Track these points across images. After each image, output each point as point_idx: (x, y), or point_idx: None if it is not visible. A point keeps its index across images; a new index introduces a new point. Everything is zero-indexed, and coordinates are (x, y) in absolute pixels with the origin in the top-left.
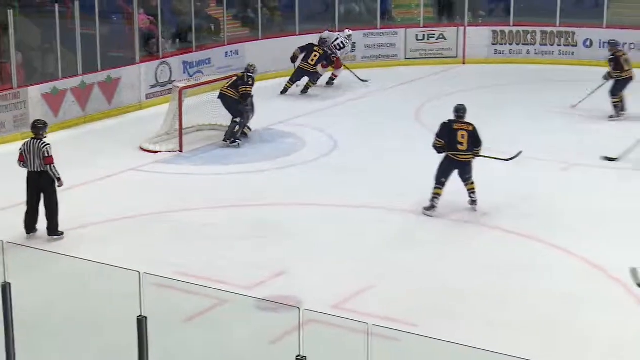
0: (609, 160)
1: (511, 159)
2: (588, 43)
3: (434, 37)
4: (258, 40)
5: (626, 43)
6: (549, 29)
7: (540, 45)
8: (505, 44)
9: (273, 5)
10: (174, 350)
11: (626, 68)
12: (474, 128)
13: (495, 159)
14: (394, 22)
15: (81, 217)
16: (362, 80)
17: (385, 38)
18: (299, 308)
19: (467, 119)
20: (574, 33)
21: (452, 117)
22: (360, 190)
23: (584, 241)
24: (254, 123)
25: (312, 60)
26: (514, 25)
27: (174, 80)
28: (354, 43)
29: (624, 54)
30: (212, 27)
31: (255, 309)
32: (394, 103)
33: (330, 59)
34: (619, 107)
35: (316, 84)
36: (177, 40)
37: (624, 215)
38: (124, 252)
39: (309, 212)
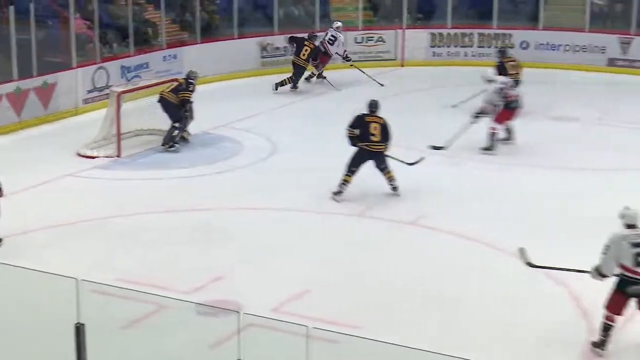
0: (436, 148)
1: (414, 163)
2: (525, 45)
3: (372, 40)
4: (197, 44)
5: (561, 45)
6: (486, 31)
7: (478, 47)
8: (444, 46)
9: (211, 8)
10: (112, 357)
11: (511, 72)
12: (386, 123)
13: (400, 161)
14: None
15: (20, 223)
16: (380, 84)
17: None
18: (238, 312)
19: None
20: (510, 35)
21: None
22: (300, 193)
23: (521, 241)
24: (193, 127)
25: (304, 55)
26: (451, 28)
27: (112, 85)
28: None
29: (512, 60)
30: (150, 31)
31: (195, 313)
32: (333, 106)
33: (317, 55)
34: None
35: (299, 79)
36: (115, 45)
37: (554, 213)
38: (64, 258)
39: (249, 216)
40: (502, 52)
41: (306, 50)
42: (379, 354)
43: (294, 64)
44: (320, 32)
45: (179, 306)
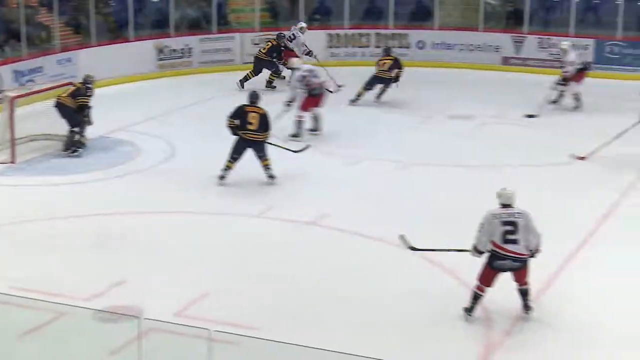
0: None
1: (299, 151)
2: (421, 45)
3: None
4: (92, 47)
5: (456, 44)
6: (383, 32)
7: (375, 47)
8: (341, 47)
9: (106, 11)
10: None
11: (382, 69)
12: (265, 113)
13: (286, 149)
14: (230, 26)
15: None
16: (339, 86)
17: (222, 43)
18: (138, 317)
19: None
20: (407, 35)
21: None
22: (199, 196)
23: (423, 239)
24: (90, 132)
25: (264, 49)
26: (349, 28)
27: (4, 90)
28: (190, 49)
29: (387, 59)
30: (44, 34)
31: (94, 320)
32: (231, 108)
33: (280, 52)
34: (361, 96)
35: (279, 76)
36: (7, 48)
37: (461, 212)
38: None
39: (148, 220)
40: (386, 51)
41: (268, 44)
42: (281, 355)
43: (255, 58)
44: (287, 31)
45: (78, 313)
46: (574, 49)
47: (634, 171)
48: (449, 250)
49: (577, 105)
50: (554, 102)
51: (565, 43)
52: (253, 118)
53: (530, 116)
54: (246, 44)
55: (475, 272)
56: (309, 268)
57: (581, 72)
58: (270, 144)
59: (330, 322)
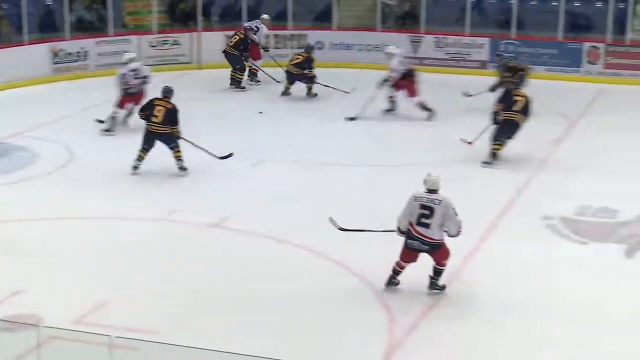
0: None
1: (223, 157)
2: (320, 45)
3: (168, 43)
4: None
5: (355, 44)
6: (282, 32)
7: (275, 48)
8: None
9: None
10: None
11: (293, 63)
12: (174, 108)
13: (209, 153)
14: (126, 29)
15: None
16: (276, 80)
17: (118, 45)
18: (37, 326)
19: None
20: (306, 35)
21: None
22: (98, 201)
23: (326, 238)
24: None
25: (231, 42)
26: None
27: None
28: (86, 52)
29: (300, 56)
30: None
31: None
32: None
33: (247, 45)
34: (287, 92)
35: (243, 74)
36: None
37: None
38: None
39: (45, 227)
40: (305, 48)
41: (235, 38)
42: (181, 359)
43: (223, 52)
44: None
45: None
46: (399, 55)
47: (530, 169)
48: (376, 231)
49: (391, 108)
50: (390, 110)
51: (390, 47)
52: (159, 111)
53: (351, 119)
54: (143, 46)
55: (380, 273)
56: (211, 271)
57: (406, 79)
58: (197, 147)
59: (231, 325)
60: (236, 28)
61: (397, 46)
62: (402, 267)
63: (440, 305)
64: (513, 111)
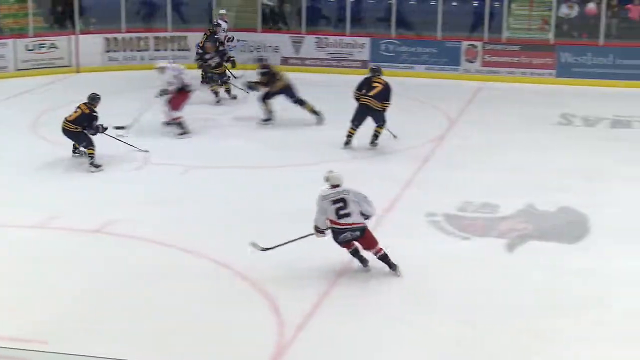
0: (119, 128)
1: (119, 127)
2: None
3: (45, 47)
4: None
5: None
6: (161, 34)
7: (155, 50)
8: (119, 51)
9: None
10: None
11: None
12: (86, 112)
13: (132, 146)
14: (1, 32)
15: None
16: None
17: None
18: None
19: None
20: (186, 37)
21: None
22: (7, 210)
23: (211, 241)
24: None
25: (201, 42)
26: (126, 32)
27: None
28: None
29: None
30: None
31: None
32: (8, 116)
33: (216, 42)
34: (218, 95)
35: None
36: None
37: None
38: None
39: None
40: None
41: (204, 36)
42: None
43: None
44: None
45: None
46: (172, 69)
47: (412, 166)
48: (295, 240)
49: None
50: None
51: (161, 62)
52: (74, 112)
53: (119, 128)
54: (19, 50)
55: (267, 274)
56: (96, 278)
57: (182, 94)
58: (121, 141)
59: (118, 331)
60: (115, 31)
61: (173, 60)
62: (353, 246)
63: (325, 304)
64: (368, 96)
